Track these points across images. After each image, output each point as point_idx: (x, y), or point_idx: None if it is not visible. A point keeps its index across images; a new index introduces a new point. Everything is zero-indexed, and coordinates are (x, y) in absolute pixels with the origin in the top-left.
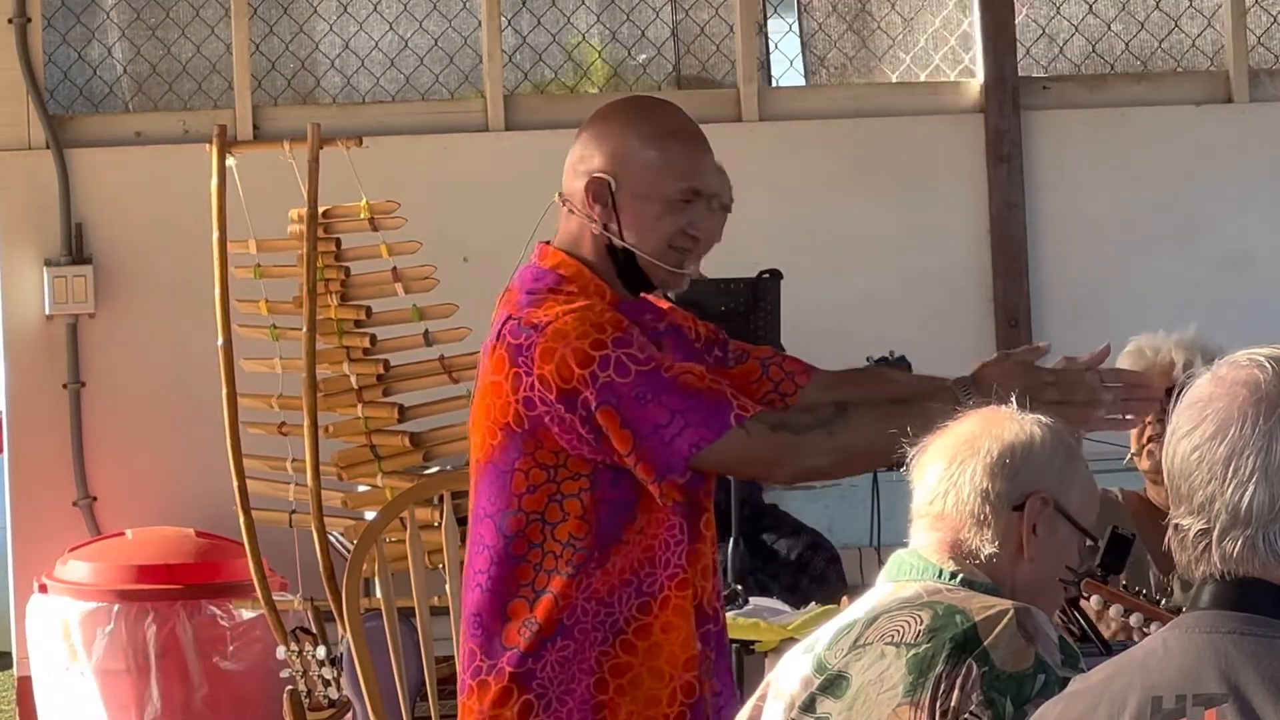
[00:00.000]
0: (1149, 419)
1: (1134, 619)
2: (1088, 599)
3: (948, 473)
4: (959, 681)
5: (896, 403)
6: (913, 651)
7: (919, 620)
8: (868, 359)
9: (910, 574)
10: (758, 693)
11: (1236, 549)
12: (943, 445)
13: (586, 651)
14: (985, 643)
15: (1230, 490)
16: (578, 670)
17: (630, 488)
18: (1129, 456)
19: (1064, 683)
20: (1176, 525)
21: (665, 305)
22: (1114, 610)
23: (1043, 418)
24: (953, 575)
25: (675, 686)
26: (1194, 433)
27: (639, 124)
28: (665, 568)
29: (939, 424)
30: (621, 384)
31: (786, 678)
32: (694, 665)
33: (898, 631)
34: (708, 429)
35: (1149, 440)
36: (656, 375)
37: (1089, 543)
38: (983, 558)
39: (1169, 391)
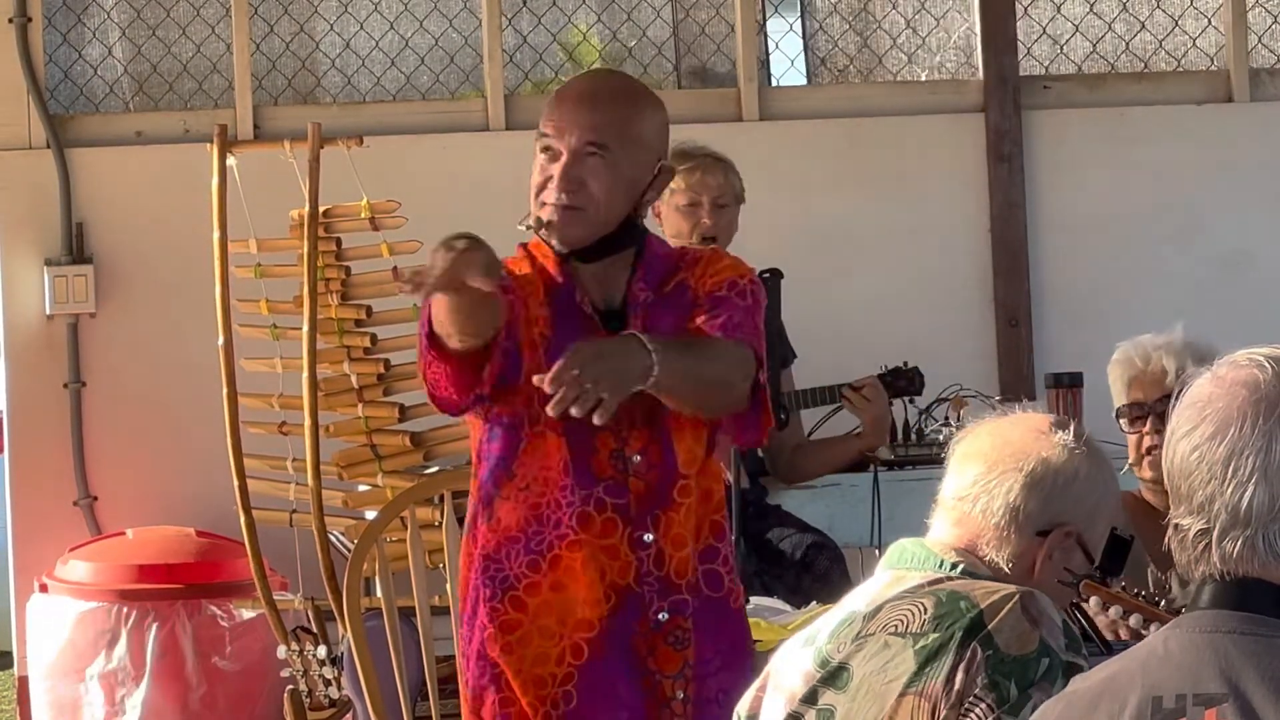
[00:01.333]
0: (1146, 429)
1: (1133, 620)
2: (1086, 601)
3: (985, 478)
4: (964, 666)
5: None
6: (920, 643)
7: (922, 609)
8: (882, 367)
9: (912, 563)
10: (756, 683)
11: (1236, 549)
12: (987, 446)
13: (480, 608)
14: (990, 626)
15: (1230, 490)
16: (477, 627)
17: (504, 442)
18: (1127, 466)
19: (1068, 666)
20: (1176, 525)
21: (690, 260)
22: (1113, 611)
23: (1089, 448)
24: (954, 566)
25: (565, 646)
26: (1194, 433)
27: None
28: (555, 527)
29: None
30: None
31: (786, 671)
32: (588, 628)
33: (901, 621)
34: None
35: (1148, 451)
36: None
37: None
38: (991, 568)
39: (1166, 399)
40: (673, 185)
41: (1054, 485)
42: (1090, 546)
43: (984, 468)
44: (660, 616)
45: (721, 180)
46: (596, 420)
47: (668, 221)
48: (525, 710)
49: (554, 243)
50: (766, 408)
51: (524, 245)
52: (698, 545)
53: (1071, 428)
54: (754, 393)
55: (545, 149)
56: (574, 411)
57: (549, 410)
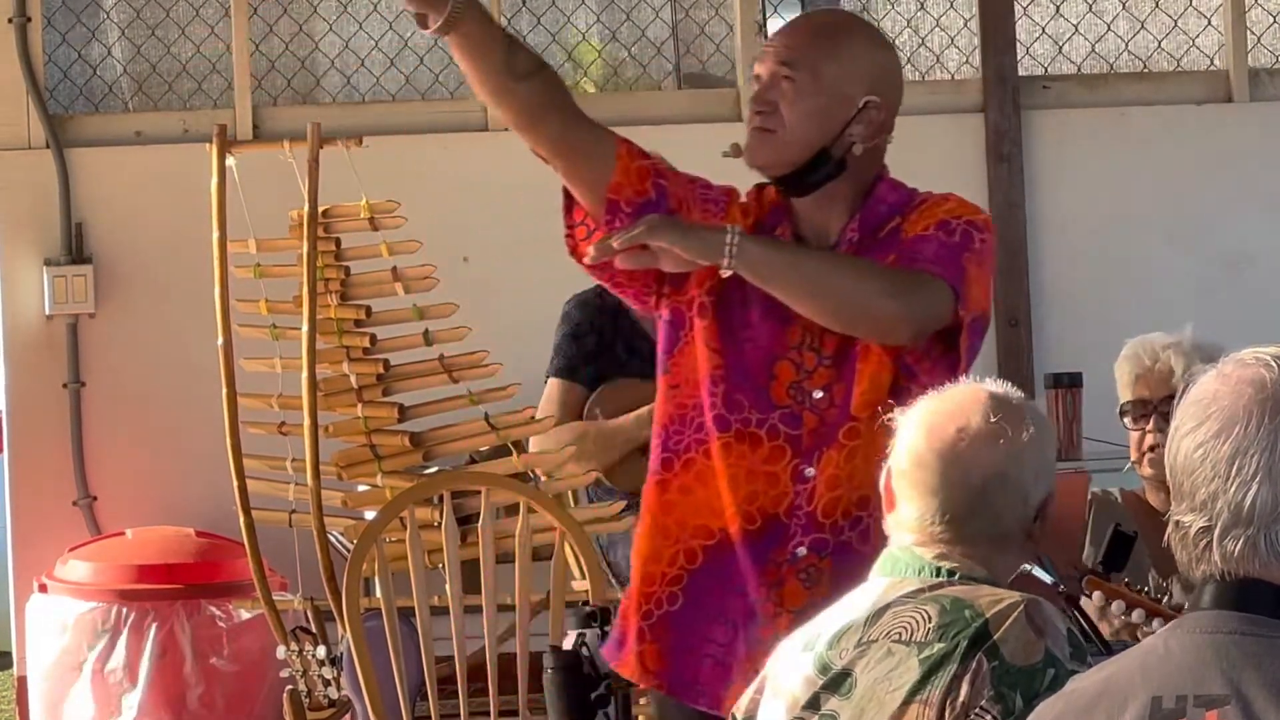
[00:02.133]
0: (1150, 428)
1: (1136, 615)
2: (1089, 596)
3: (971, 508)
4: (969, 676)
5: None
6: (925, 652)
7: (926, 617)
8: None
9: (906, 572)
10: (754, 685)
11: (1238, 548)
12: (941, 470)
13: None
14: (995, 637)
15: (1233, 489)
16: None
17: (665, 337)
18: (1128, 466)
19: (1072, 676)
20: (1178, 522)
21: (916, 204)
22: (1115, 607)
23: (1028, 410)
24: (950, 573)
25: (680, 550)
26: (1198, 430)
27: None
28: (696, 431)
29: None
30: None
31: (785, 675)
32: (707, 535)
33: (905, 629)
34: None
35: (1150, 449)
36: None
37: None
38: (985, 564)
39: (1170, 398)
40: None
41: (1033, 480)
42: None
43: (944, 498)
44: (799, 550)
45: None
46: (622, 260)
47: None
48: (632, 603)
49: (750, 165)
50: (962, 354)
51: (761, 184)
52: (869, 492)
53: (1003, 416)
54: (948, 335)
55: (755, 77)
56: (616, 242)
57: (591, 248)
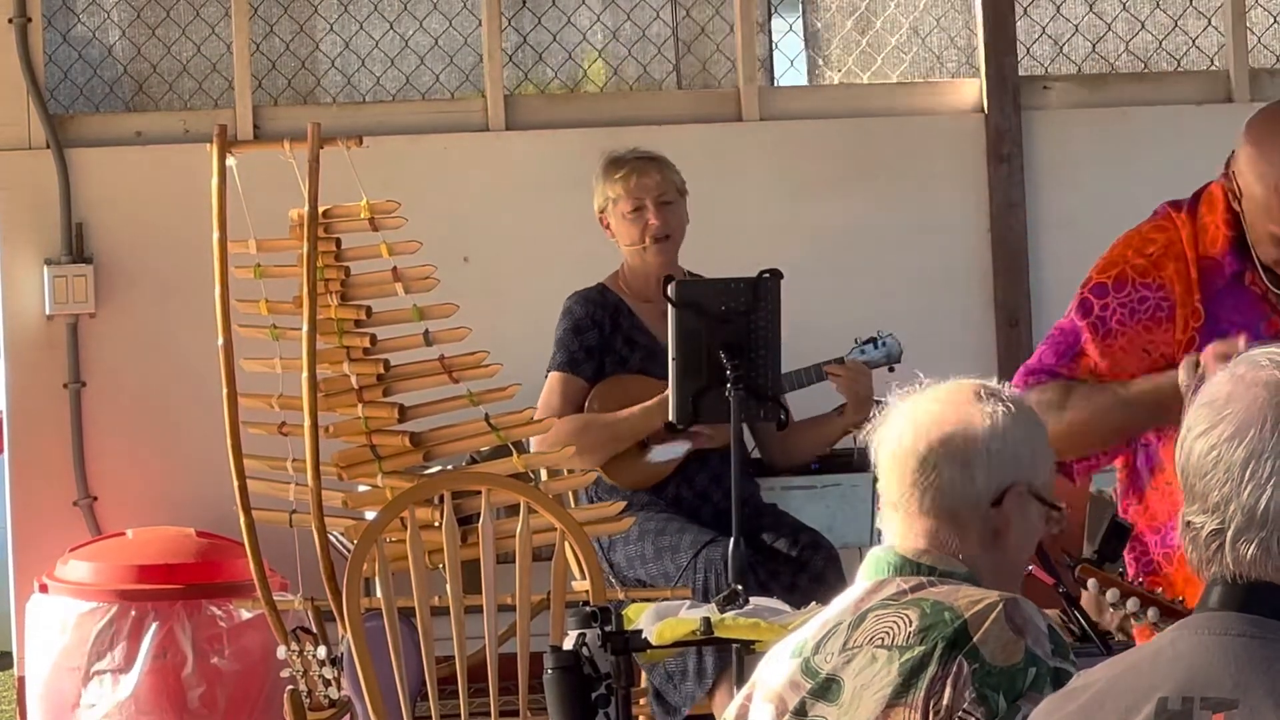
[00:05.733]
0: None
1: (1130, 604)
2: (1085, 584)
3: (921, 472)
4: (950, 679)
5: None
6: (906, 656)
7: (908, 621)
8: (854, 341)
9: (888, 572)
10: (743, 692)
11: (1250, 552)
12: (911, 436)
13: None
14: (975, 638)
15: (1247, 493)
16: None
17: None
18: None
19: (1055, 674)
20: (1189, 523)
21: None
22: (1110, 595)
23: (1005, 404)
24: (930, 570)
25: None
26: (1211, 432)
27: None
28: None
29: None
30: None
31: (773, 681)
32: None
33: (887, 633)
34: None
35: None
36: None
37: (1054, 513)
38: (961, 554)
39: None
40: (613, 194)
41: (986, 455)
42: (1044, 493)
43: (915, 463)
44: None
45: (659, 178)
46: None
47: (618, 231)
48: None
49: None
50: None
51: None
52: None
53: (983, 390)
54: None
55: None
56: None
57: None
